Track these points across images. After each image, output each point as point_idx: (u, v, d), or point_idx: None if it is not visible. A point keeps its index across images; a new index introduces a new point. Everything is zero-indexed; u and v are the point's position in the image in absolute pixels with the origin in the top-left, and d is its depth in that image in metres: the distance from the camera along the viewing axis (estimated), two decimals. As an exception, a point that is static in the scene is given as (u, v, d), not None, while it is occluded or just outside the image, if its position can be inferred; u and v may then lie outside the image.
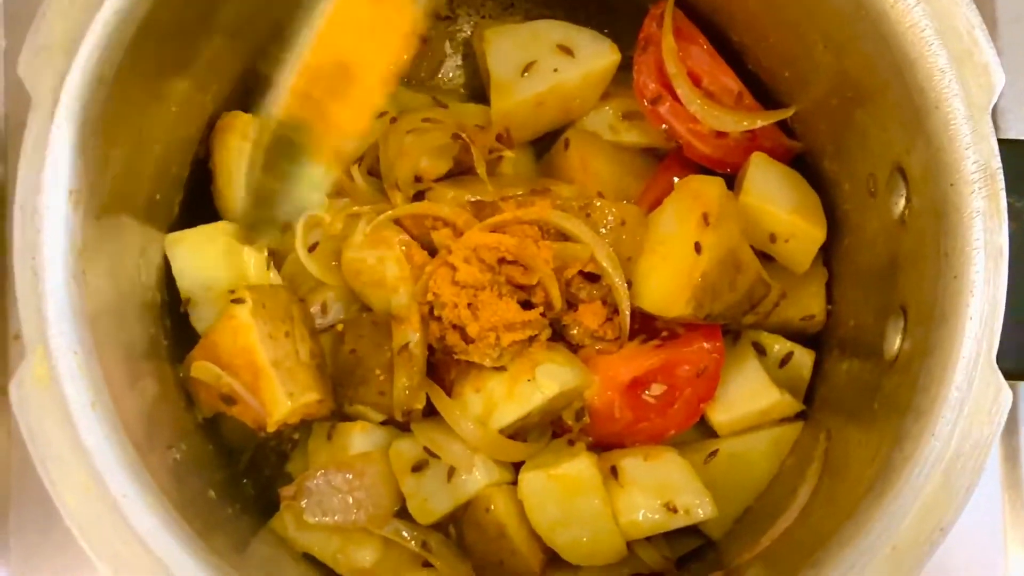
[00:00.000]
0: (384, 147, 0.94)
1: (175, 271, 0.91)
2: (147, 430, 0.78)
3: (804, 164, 0.98)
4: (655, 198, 0.95)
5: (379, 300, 0.93)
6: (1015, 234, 0.72)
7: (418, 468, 0.91)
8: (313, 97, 0.68)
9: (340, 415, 0.95)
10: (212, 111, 0.95)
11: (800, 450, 0.95)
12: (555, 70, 0.97)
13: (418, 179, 0.95)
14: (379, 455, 0.92)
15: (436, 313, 0.89)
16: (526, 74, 0.97)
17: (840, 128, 0.89)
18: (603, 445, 0.95)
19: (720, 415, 0.95)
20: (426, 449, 0.91)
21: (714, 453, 0.95)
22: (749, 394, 0.94)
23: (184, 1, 0.78)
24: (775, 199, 0.93)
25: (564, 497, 0.89)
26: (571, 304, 0.93)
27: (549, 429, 0.95)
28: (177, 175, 0.93)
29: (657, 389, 0.93)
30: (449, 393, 0.92)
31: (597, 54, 0.98)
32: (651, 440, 0.94)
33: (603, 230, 0.92)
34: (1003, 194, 0.71)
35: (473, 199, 0.93)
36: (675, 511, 0.90)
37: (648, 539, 0.94)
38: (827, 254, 0.98)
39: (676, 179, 0.96)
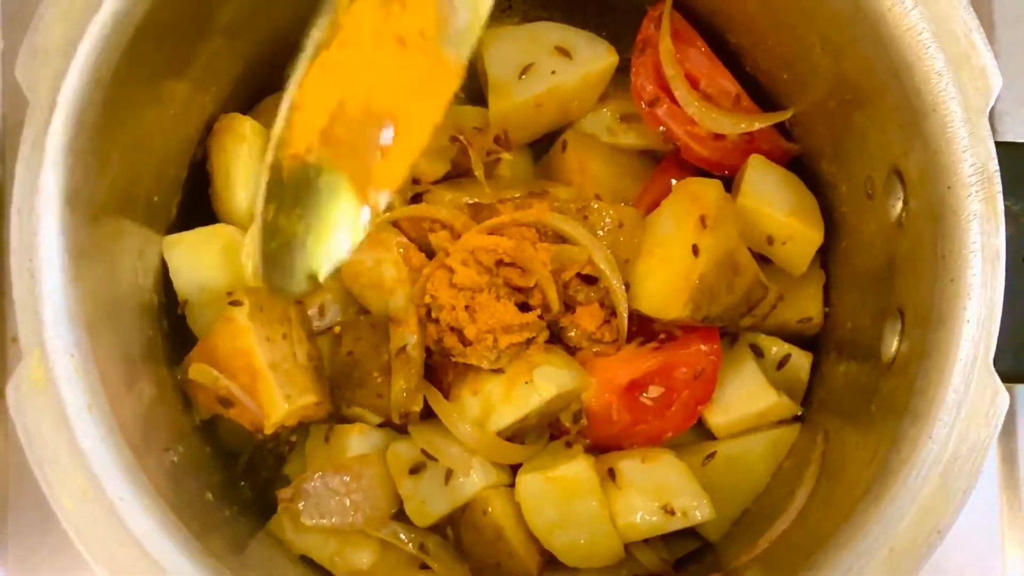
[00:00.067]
0: (382, 149, 0.94)
1: (172, 273, 0.91)
2: (144, 432, 0.78)
3: (802, 166, 0.98)
4: (653, 200, 0.95)
5: (377, 302, 0.93)
6: (1012, 237, 0.72)
7: (416, 470, 0.91)
8: (342, 139, 0.66)
9: (338, 417, 0.95)
10: (211, 112, 0.95)
11: (798, 452, 0.95)
12: (553, 72, 0.97)
13: (416, 181, 0.95)
14: (376, 457, 0.92)
15: (434, 315, 0.89)
16: (524, 76, 0.97)
17: (838, 130, 0.89)
18: (601, 447, 0.95)
19: (718, 417, 0.95)
20: (424, 451, 0.91)
21: (712, 455, 0.95)
22: (747, 396, 0.95)
23: (182, 2, 0.78)
24: (773, 201, 0.93)
25: (562, 499, 0.89)
26: (569, 306, 0.92)
27: (547, 431, 0.95)
28: (175, 177, 0.93)
29: (655, 391, 0.93)
30: (447, 395, 0.92)
31: (595, 56, 0.98)
32: (649, 442, 0.94)
33: (601, 232, 0.92)
34: (1000, 197, 0.71)
35: (471, 201, 0.93)
36: (673, 513, 0.90)
37: (646, 541, 0.94)
38: (824, 256, 0.98)
39: (674, 181, 0.97)
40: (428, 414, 0.92)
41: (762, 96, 0.99)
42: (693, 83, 0.95)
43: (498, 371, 0.90)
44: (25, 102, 0.71)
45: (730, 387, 0.95)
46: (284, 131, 0.64)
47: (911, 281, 0.79)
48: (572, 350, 0.94)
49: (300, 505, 0.88)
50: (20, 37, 0.71)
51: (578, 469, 0.89)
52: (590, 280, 0.92)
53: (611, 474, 0.91)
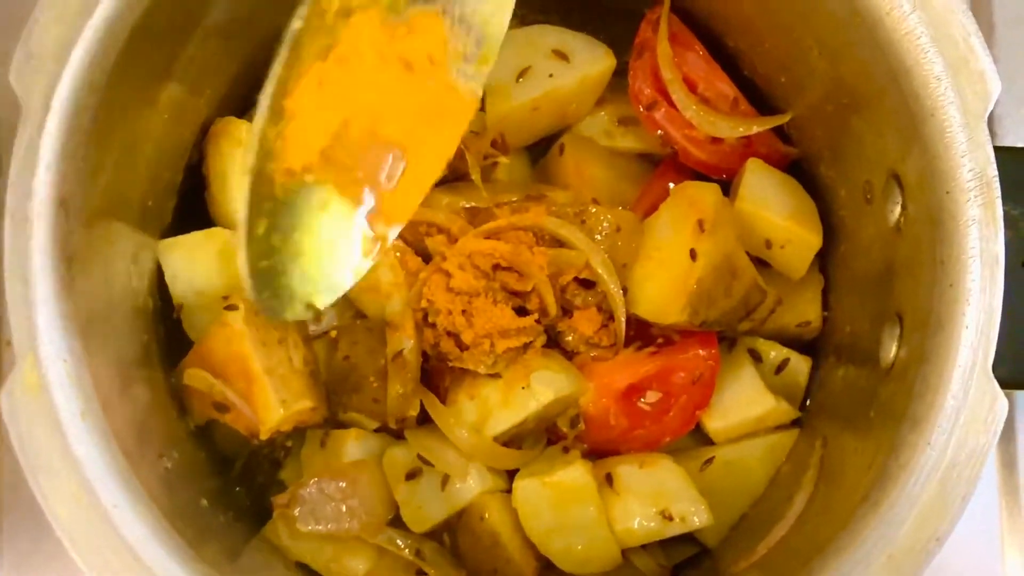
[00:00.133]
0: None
1: (168, 277, 0.91)
2: (138, 438, 0.78)
3: (800, 170, 0.98)
4: (650, 204, 0.95)
5: (373, 306, 0.93)
6: (1011, 242, 0.72)
7: (412, 476, 0.91)
8: (345, 164, 0.64)
9: (334, 422, 0.94)
10: (206, 116, 0.94)
11: (796, 457, 0.95)
12: (550, 75, 0.97)
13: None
14: (373, 463, 0.92)
15: (430, 320, 0.89)
16: (521, 79, 0.97)
17: (836, 134, 0.89)
18: (598, 452, 0.95)
19: (716, 422, 0.95)
20: (420, 457, 0.90)
21: (710, 460, 0.94)
22: (745, 401, 0.94)
23: (176, 5, 0.78)
24: (771, 205, 0.93)
25: (559, 505, 0.89)
26: (566, 311, 0.92)
27: (544, 436, 0.95)
28: (170, 181, 0.93)
29: (652, 396, 0.93)
30: (443, 400, 0.91)
31: (592, 59, 0.98)
32: (646, 447, 0.94)
33: (598, 236, 0.91)
34: (999, 202, 0.71)
35: (468, 205, 0.93)
36: (671, 519, 0.89)
37: (643, 547, 0.93)
38: (823, 260, 0.98)
39: (672, 185, 0.96)
40: (425, 419, 0.91)
41: (760, 100, 0.98)
42: (691, 87, 0.95)
43: (495, 376, 0.89)
44: (18, 106, 0.71)
45: (728, 392, 0.94)
46: (276, 142, 0.63)
47: (910, 286, 0.78)
48: (570, 355, 0.93)
49: (296, 511, 0.87)
50: (13, 41, 0.71)
51: (575, 474, 0.88)
52: (588, 284, 0.92)
53: (609, 479, 0.91)
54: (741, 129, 0.94)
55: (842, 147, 0.88)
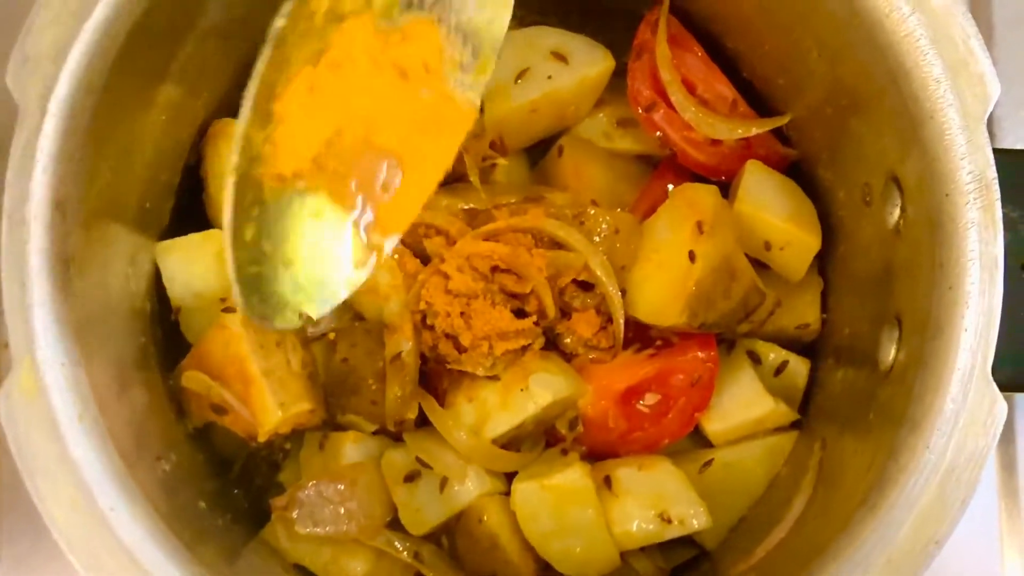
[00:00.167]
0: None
1: (166, 280, 0.90)
2: (136, 441, 0.78)
3: (799, 172, 0.98)
4: (649, 206, 0.95)
5: (371, 308, 0.92)
6: (1010, 245, 0.72)
7: (410, 478, 0.91)
8: (338, 172, 0.63)
9: (332, 425, 0.94)
10: (204, 118, 0.94)
11: (795, 460, 0.95)
12: (549, 77, 0.97)
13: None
14: (371, 465, 0.91)
15: (429, 322, 0.89)
16: (520, 81, 0.97)
17: (835, 136, 0.88)
18: (597, 455, 0.94)
19: (715, 424, 0.95)
20: (418, 459, 0.90)
21: (709, 463, 0.94)
22: (744, 403, 0.94)
23: (173, 6, 0.78)
24: (770, 207, 0.93)
25: (557, 507, 0.88)
26: (565, 313, 0.92)
27: (543, 439, 0.95)
28: (168, 182, 0.93)
29: (651, 398, 0.93)
30: (442, 403, 0.91)
31: (591, 61, 0.98)
32: (645, 450, 0.94)
33: (597, 238, 0.91)
34: (999, 205, 0.71)
35: (466, 207, 0.93)
36: (669, 521, 0.89)
37: (642, 549, 0.93)
38: (822, 262, 0.97)
39: (670, 187, 0.96)
40: (423, 422, 0.91)
41: (759, 101, 0.98)
42: (690, 88, 0.95)
43: (494, 378, 0.89)
44: (15, 108, 0.70)
45: (727, 394, 0.94)
46: (266, 146, 0.62)
47: (909, 288, 0.78)
48: (568, 357, 0.93)
49: (294, 513, 0.87)
50: (10, 43, 0.71)
51: (574, 477, 0.88)
52: (586, 286, 0.92)
53: (607, 482, 0.91)
54: (740, 131, 0.94)
55: (841, 149, 0.88)
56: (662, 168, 1.00)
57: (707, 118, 0.93)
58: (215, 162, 0.94)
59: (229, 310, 0.86)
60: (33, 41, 0.71)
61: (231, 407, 0.86)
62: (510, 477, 0.91)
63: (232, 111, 0.95)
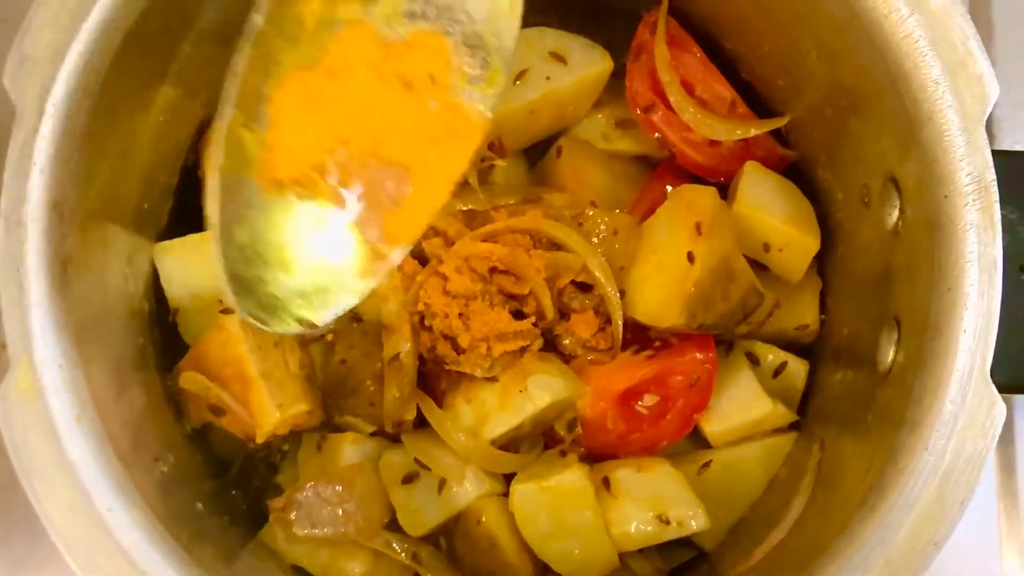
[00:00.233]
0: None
1: (164, 280, 0.91)
2: (134, 442, 0.77)
3: (798, 173, 0.98)
4: (648, 207, 0.95)
5: (370, 309, 0.92)
6: (1009, 246, 0.72)
7: (409, 480, 0.90)
8: (343, 181, 0.62)
9: (330, 426, 0.94)
10: (202, 118, 0.94)
11: (794, 461, 0.94)
12: (547, 78, 0.97)
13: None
14: (369, 466, 0.91)
15: (427, 323, 0.89)
16: (518, 82, 0.97)
17: (834, 137, 0.88)
18: (595, 456, 0.94)
19: (713, 426, 0.94)
20: (417, 460, 0.90)
21: (707, 464, 0.94)
22: (742, 404, 0.94)
23: (171, 7, 0.78)
24: (769, 208, 0.93)
25: (556, 509, 0.88)
26: (563, 314, 0.92)
27: (541, 440, 0.95)
28: (166, 183, 0.93)
29: (650, 400, 0.93)
30: (440, 404, 0.91)
31: (590, 62, 0.98)
32: (644, 451, 0.94)
33: (595, 239, 0.91)
34: (997, 206, 0.71)
35: (465, 208, 0.93)
36: (668, 523, 0.89)
37: (640, 551, 0.93)
38: (821, 263, 0.97)
39: (669, 188, 0.96)
40: (421, 423, 0.91)
41: (758, 102, 0.98)
42: (688, 89, 0.94)
43: (492, 379, 0.89)
44: (12, 109, 0.70)
45: (726, 395, 0.94)
46: (259, 149, 0.62)
47: (907, 290, 0.78)
48: (567, 358, 0.93)
49: (292, 515, 0.87)
50: (7, 44, 0.70)
51: (573, 478, 0.88)
52: (585, 287, 0.91)
53: (606, 483, 0.90)
54: (739, 132, 0.94)
55: (840, 150, 0.88)
56: (661, 169, 1.00)
57: (706, 119, 0.93)
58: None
59: (227, 311, 0.86)
60: (31, 41, 0.71)
61: (229, 408, 0.86)
62: (509, 478, 0.91)
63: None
